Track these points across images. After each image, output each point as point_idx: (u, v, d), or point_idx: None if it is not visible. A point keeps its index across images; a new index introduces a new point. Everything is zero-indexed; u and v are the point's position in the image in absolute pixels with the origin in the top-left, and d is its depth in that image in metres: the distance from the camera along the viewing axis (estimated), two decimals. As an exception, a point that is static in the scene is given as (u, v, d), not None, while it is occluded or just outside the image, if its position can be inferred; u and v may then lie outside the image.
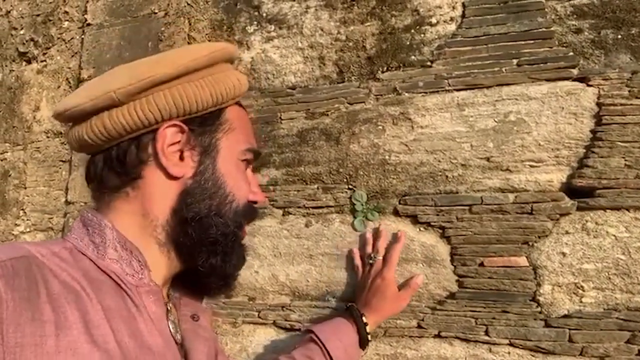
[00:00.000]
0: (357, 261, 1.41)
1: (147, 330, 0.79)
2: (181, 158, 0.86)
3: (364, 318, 1.27)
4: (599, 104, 1.28)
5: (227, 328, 1.55)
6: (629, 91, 1.27)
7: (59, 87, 1.97)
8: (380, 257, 1.35)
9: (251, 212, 0.95)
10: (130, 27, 1.85)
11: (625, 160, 1.25)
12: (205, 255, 0.87)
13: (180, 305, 0.94)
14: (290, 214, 1.54)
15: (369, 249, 1.40)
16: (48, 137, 1.96)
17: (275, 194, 1.55)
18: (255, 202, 0.96)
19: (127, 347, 0.73)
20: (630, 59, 1.30)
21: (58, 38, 2.01)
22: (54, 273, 0.73)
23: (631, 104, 1.26)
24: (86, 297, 0.73)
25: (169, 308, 0.88)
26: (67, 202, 1.83)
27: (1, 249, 0.73)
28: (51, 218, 1.88)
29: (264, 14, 1.66)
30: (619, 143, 1.25)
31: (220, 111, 0.91)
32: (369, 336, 1.26)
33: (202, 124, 0.88)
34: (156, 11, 1.80)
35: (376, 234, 1.41)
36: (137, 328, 0.78)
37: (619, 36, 1.31)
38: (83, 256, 0.80)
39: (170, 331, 0.85)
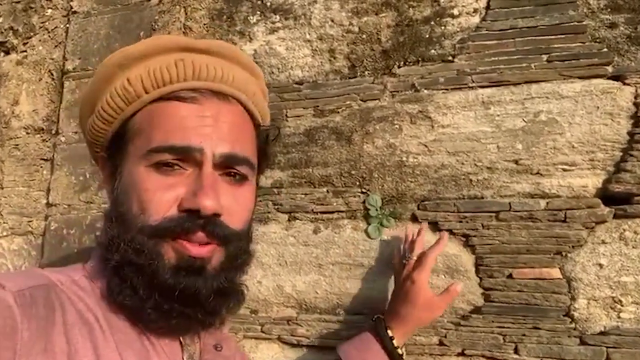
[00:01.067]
0: (396, 260, 1.25)
1: None
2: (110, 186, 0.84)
3: (389, 331, 1.12)
4: (636, 104, 1.20)
5: (227, 343, 1.43)
6: (669, 90, 1.18)
7: (40, 79, 1.82)
8: (414, 258, 1.17)
9: (177, 223, 0.75)
10: (120, 15, 1.71)
11: (666, 164, 1.16)
12: (117, 288, 0.76)
13: (204, 336, 0.89)
14: (297, 219, 1.42)
15: (405, 246, 1.25)
16: (28, 133, 1.81)
17: (281, 198, 1.43)
18: (194, 210, 0.74)
19: None
20: (669, 56, 1.21)
21: (40, 27, 1.87)
22: (72, 302, 0.74)
23: (671, 104, 1.17)
24: (99, 328, 0.73)
25: (182, 342, 0.84)
26: (49, 204, 1.68)
27: (23, 276, 0.74)
28: (31, 221, 1.73)
29: (268, 3, 1.54)
30: (659, 146, 1.16)
31: (126, 121, 0.82)
32: (399, 350, 1.11)
33: (111, 145, 0.85)
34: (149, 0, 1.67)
35: (414, 232, 1.25)
36: None
37: (658, 32, 1.22)
38: (100, 285, 0.79)
39: None
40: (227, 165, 0.79)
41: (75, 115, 1.60)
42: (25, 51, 1.89)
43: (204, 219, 0.74)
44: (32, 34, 1.88)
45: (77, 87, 1.72)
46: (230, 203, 0.79)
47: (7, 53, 1.93)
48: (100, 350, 0.70)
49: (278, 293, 1.39)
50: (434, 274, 1.27)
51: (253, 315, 1.41)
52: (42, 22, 1.87)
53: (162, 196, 0.75)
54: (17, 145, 1.81)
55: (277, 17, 1.52)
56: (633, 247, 1.16)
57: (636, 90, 1.20)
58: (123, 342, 0.74)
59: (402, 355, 1.12)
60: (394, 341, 1.11)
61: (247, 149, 0.83)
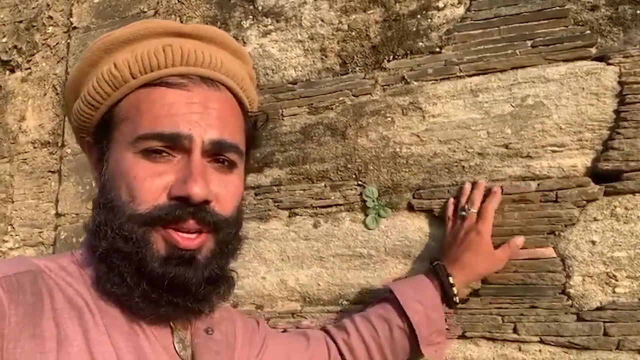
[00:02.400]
0: (450, 213, 1.27)
1: (150, 347, 0.77)
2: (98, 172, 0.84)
3: (450, 278, 1.15)
4: (620, 83, 1.21)
5: (235, 339, 1.46)
6: (653, 68, 1.20)
7: (45, 94, 1.88)
8: (475, 210, 1.21)
9: (167, 211, 0.75)
10: (118, 28, 1.76)
11: (653, 140, 1.18)
12: (105, 276, 0.76)
13: (195, 320, 0.88)
14: (297, 214, 1.45)
15: (463, 200, 1.26)
16: (35, 147, 1.87)
17: (280, 195, 1.47)
18: (184, 198, 0.75)
19: None
20: (651, 35, 1.24)
21: (43, 44, 1.93)
22: (60, 287, 0.74)
23: (655, 82, 1.20)
24: (89, 313, 0.73)
25: (172, 326, 0.84)
26: (58, 215, 1.74)
27: (9, 263, 0.75)
28: (41, 232, 1.78)
29: (260, 7, 1.58)
30: (645, 123, 1.18)
31: (113, 107, 0.81)
32: (457, 298, 1.15)
33: (98, 131, 0.84)
34: (145, 10, 1.73)
35: (473, 186, 1.27)
36: (140, 346, 0.76)
37: (638, 11, 1.25)
38: (88, 271, 0.79)
39: (175, 348, 0.82)
40: (216, 152, 0.79)
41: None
42: (30, 68, 1.95)
43: (194, 207, 0.74)
44: (35, 51, 1.94)
45: (80, 100, 1.77)
46: (220, 190, 0.79)
47: (12, 71, 2.00)
48: (90, 334, 0.70)
49: (282, 287, 1.43)
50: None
51: (259, 310, 1.45)
52: (44, 39, 1.93)
53: (151, 184, 0.75)
54: (25, 159, 1.87)
55: (269, 20, 1.56)
56: (624, 223, 1.18)
57: (620, 70, 1.22)
58: (113, 326, 0.74)
59: (457, 301, 1.16)
60: (454, 288, 1.14)
61: (235, 136, 0.83)
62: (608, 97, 1.22)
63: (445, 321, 1.18)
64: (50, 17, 1.92)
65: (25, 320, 0.65)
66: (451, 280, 1.15)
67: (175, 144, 0.76)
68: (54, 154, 1.82)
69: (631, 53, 1.21)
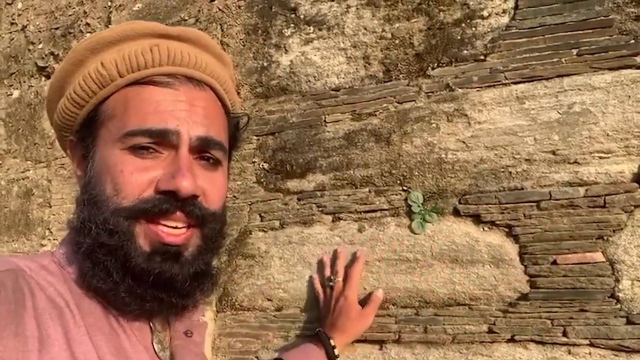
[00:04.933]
0: (317, 286, 1.43)
1: (131, 347, 0.78)
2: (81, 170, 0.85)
3: (331, 341, 1.28)
4: (666, 91, 1.24)
5: (279, 342, 1.47)
6: (697, 76, 1.23)
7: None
8: (340, 279, 1.36)
9: (153, 204, 0.75)
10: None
11: (700, 147, 1.20)
12: (90, 272, 0.76)
13: (174, 322, 0.90)
14: (341, 219, 1.47)
15: (328, 272, 1.41)
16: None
17: (324, 200, 1.49)
18: (172, 192, 0.75)
19: None
20: (695, 44, 1.26)
21: (80, 51, 1.95)
22: (41, 287, 0.73)
23: (701, 89, 1.22)
24: (69, 313, 0.73)
25: (151, 326, 0.85)
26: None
27: None
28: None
29: (302, 16, 1.61)
30: (692, 130, 1.21)
31: (99, 105, 0.82)
32: (338, 358, 1.29)
33: (83, 129, 0.84)
34: (186, 18, 1.75)
35: (334, 256, 1.43)
36: (121, 345, 0.77)
37: (682, 21, 1.27)
38: (70, 270, 0.79)
39: (154, 349, 0.83)
40: (202, 149, 0.80)
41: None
42: (66, 74, 1.97)
43: (182, 201, 0.75)
44: (72, 58, 1.96)
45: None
46: (206, 185, 0.80)
47: (47, 77, 2.02)
48: (71, 334, 0.70)
49: (327, 291, 1.44)
50: (480, 265, 1.32)
51: (303, 314, 1.46)
52: (81, 46, 1.95)
53: (137, 178, 0.75)
54: (62, 164, 1.89)
55: (311, 28, 1.59)
56: (673, 228, 1.20)
57: (665, 78, 1.25)
58: (94, 326, 0.74)
59: None
60: (335, 350, 1.27)
61: (220, 134, 0.84)
62: (654, 105, 1.24)
63: None
64: (88, 24, 1.95)
65: (8, 318, 0.64)
66: (332, 342, 1.28)
67: (162, 140, 0.77)
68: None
69: (676, 62, 1.24)
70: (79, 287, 0.77)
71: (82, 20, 1.96)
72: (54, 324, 0.69)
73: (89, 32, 1.94)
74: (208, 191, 0.80)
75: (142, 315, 0.80)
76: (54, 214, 1.86)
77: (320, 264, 1.45)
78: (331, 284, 1.37)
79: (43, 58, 2.02)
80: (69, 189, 1.86)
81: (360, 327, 1.32)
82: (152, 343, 0.83)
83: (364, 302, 1.36)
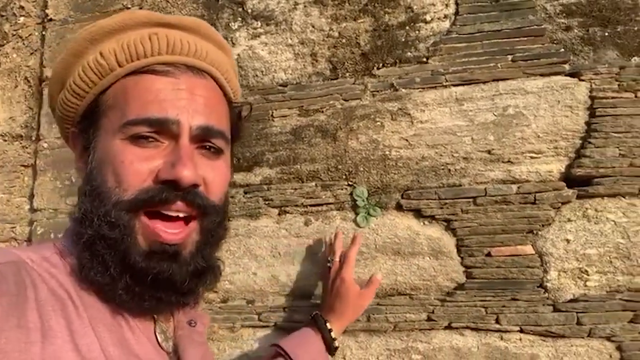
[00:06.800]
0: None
1: (134, 338, 0.78)
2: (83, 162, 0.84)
3: (328, 325, 1.25)
4: (591, 97, 1.35)
5: (225, 333, 1.49)
6: (619, 85, 1.34)
7: (16, 86, 1.83)
8: (337, 259, 1.33)
9: (153, 194, 0.75)
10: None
11: (620, 149, 1.32)
12: (89, 264, 0.75)
13: (177, 313, 0.91)
14: (288, 212, 1.51)
15: (326, 251, 1.42)
16: (6, 140, 1.82)
17: (271, 193, 1.52)
18: (172, 182, 0.75)
19: (111, 355, 0.72)
20: (617, 55, 1.38)
21: (13, 35, 1.87)
22: (43, 279, 0.72)
23: (621, 97, 1.34)
24: (72, 305, 0.72)
25: (154, 317, 0.85)
26: (34, 210, 1.70)
27: None
28: (14, 227, 1.74)
29: (249, 10, 1.62)
30: (613, 134, 1.32)
31: (99, 96, 0.81)
32: (336, 342, 1.25)
33: (84, 120, 0.84)
34: (129, 6, 1.72)
35: (333, 236, 1.42)
36: (124, 337, 0.76)
37: (606, 33, 1.39)
38: (71, 262, 0.78)
39: (157, 340, 0.83)
40: (203, 138, 0.79)
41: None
42: (-2, 59, 1.89)
43: (183, 190, 0.75)
44: (4, 41, 1.88)
45: (58, 94, 1.74)
46: (208, 175, 0.79)
47: (-21, 62, 1.93)
48: (74, 327, 0.70)
49: (274, 283, 1.48)
50: (420, 256, 1.39)
51: (249, 305, 1.49)
52: (14, 30, 1.88)
53: (138, 168, 0.75)
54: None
55: (259, 23, 1.60)
56: (595, 223, 1.31)
57: (591, 85, 1.35)
58: (96, 318, 0.74)
59: (337, 347, 1.25)
60: (332, 333, 1.24)
61: (222, 123, 0.84)
62: (580, 110, 1.35)
63: None
64: (22, 7, 1.87)
65: (10, 310, 0.63)
66: (329, 326, 1.25)
67: (163, 129, 0.76)
68: (27, 148, 1.78)
69: (600, 71, 1.36)
70: (80, 278, 0.76)
71: (15, 3, 1.88)
72: (56, 315, 0.69)
73: (23, 16, 1.87)
74: (209, 180, 0.80)
75: (144, 311, 0.80)
76: None
77: (319, 243, 1.45)
78: (329, 264, 1.35)
79: (-28, 41, 1.92)
80: (2, 178, 1.76)
81: (359, 308, 1.28)
82: (155, 333, 0.83)
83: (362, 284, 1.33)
